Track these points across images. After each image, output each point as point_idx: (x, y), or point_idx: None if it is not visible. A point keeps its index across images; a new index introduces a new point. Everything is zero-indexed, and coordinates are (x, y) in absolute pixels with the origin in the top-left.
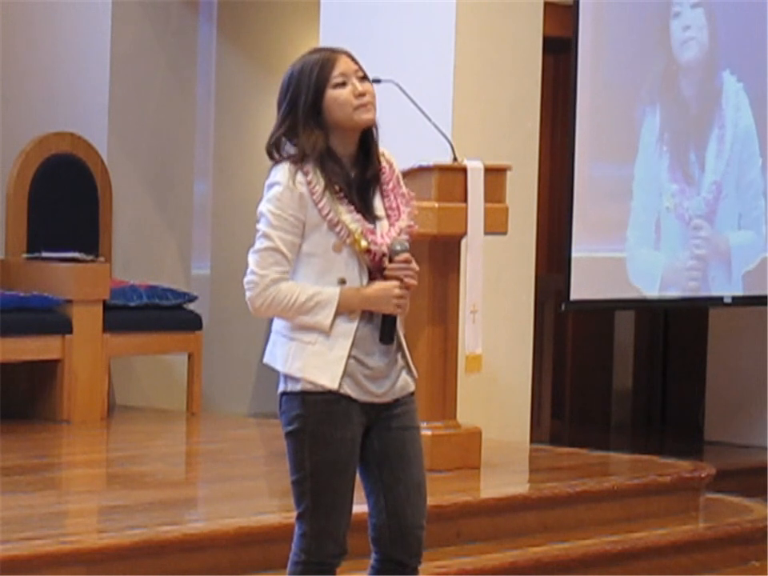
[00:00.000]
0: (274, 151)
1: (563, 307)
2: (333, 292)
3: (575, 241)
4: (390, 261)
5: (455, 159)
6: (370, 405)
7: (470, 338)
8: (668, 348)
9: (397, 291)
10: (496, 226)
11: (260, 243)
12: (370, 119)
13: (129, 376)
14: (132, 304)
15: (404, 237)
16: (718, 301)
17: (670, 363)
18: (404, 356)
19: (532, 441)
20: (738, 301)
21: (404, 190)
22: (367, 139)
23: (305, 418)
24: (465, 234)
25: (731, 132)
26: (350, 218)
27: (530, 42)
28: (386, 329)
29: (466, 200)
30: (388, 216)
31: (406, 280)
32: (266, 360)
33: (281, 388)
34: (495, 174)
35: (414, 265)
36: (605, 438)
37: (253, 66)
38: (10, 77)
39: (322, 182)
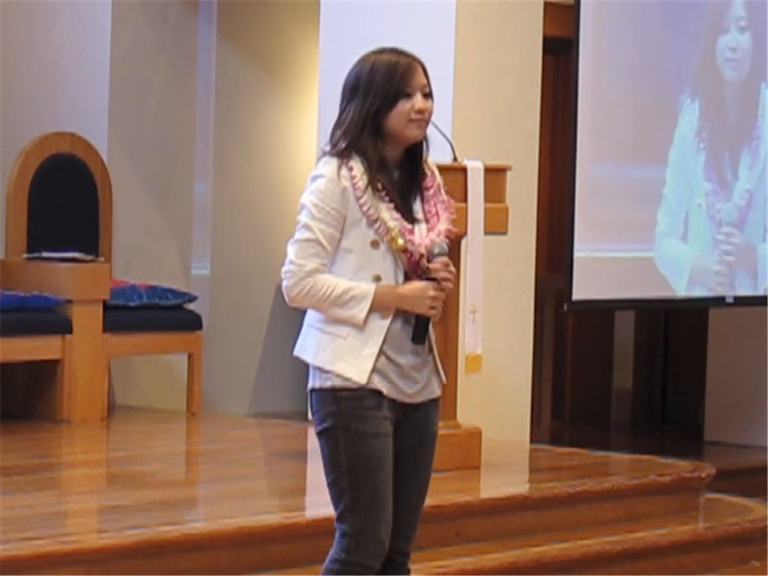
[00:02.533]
0: (330, 142)
1: (565, 307)
2: (368, 287)
3: (577, 241)
4: (428, 262)
5: (455, 159)
6: (399, 403)
7: (470, 337)
8: (668, 348)
9: (432, 292)
10: (496, 225)
11: (300, 234)
12: (418, 136)
13: (129, 376)
14: (132, 304)
15: (443, 239)
16: (718, 301)
17: (670, 363)
18: (434, 359)
19: (532, 441)
20: (739, 301)
21: (444, 197)
22: (415, 148)
23: (337, 414)
24: (465, 234)
25: (765, 145)
26: (389, 215)
27: (530, 42)
28: (419, 329)
29: (466, 200)
30: (427, 220)
31: (443, 283)
32: (296, 352)
33: (311, 384)
34: (495, 174)
35: (452, 268)
36: (605, 438)
37: (253, 66)
38: (10, 77)
39: (365, 179)
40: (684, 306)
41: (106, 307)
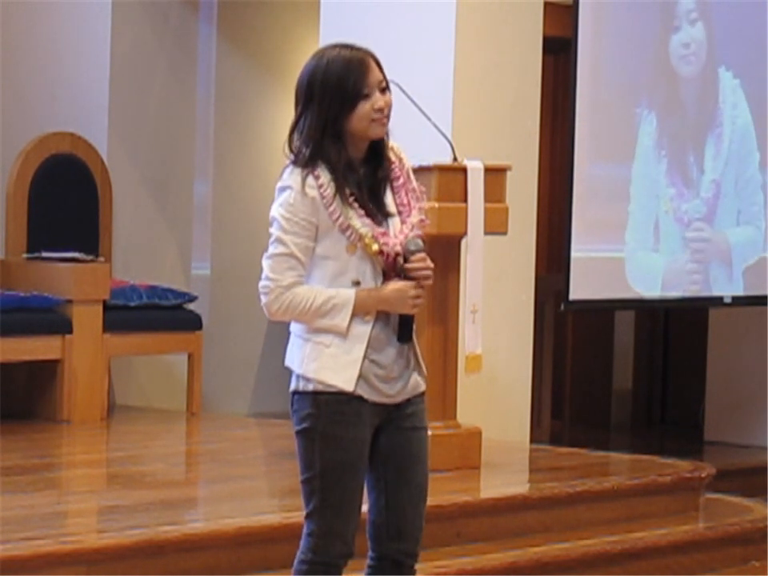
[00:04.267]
0: (287, 149)
1: (563, 307)
2: (348, 294)
3: (575, 241)
4: (405, 260)
5: (455, 159)
6: (381, 405)
7: (470, 338)
8: (668, 348)
9: (413, 291)
10: (496, 225)
11: (273, 248)
12: (381, 134)
13: (129, 376)
14: (132, 304)
15: (417, 233)
16: (718, 301)
17: (670, 363)
18: (415, 355)
19: (532, 441)
20: (738, 301)
21: (414, 185)
22: (377, 143)
23: (316, 417)
24: (465, 234)
25: (729, 130)
26: (359, 222)
27: (530, 41)
28: (404, 329)
29: (466, 200)
30: (400, 213)
31: (423, 281)
32: (286, 363)
33: (292, 386)
34: (495, 174)
35: (429, 263)
36: (605, 438)
37: (253, 66)
38: (10, 77)
39: (332, 186)
40: (684, 306)
41: (106, 307)
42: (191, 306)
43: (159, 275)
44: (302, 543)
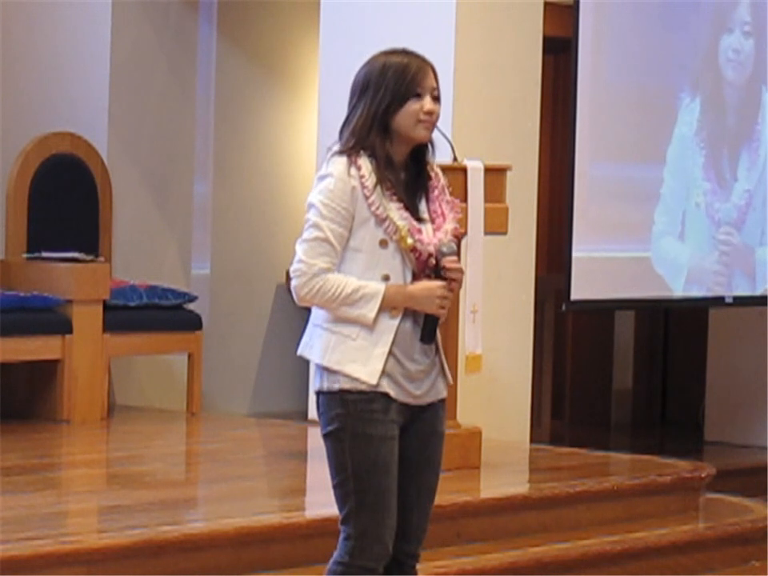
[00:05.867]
0: (339, 141)
1: (564, 307)
2: (378, 286)
3: (575, 241)
4: (437, 261)
5: (455, 159)
6: (406, 405)
7: (470, 338)
8: (668, 348)
9: (441, 292)
10: (496, 226)
11: (309, 233)
12: (425, 137)
13: (129, 376)
14: (132, 304)
15: (451, 239)
16: (718, 301)
17: (670, 363)
18: (441, 361)
19: (532, 441)
20: (739, 301)
21: (449, 197)
22: (420, 149)
23: (344, 417)
24: (465, 233)
25: (765, 147)
26: (398, 215)
27: (530, 42)
28: (428, 329)
29: (466, 200)
30: (432, 220)
31: (453, 283)
32: (300, 351)
33: (317, 386)
34: (495, 174)
35: (461, 266)
36: (605, 438)
37: (253, 66)
38: (10, 77)
39: (374, 178)
40: (684, 306)
41: (106, 307)
42: (191, 306)
43: (159, 275)
44: (339, 546)
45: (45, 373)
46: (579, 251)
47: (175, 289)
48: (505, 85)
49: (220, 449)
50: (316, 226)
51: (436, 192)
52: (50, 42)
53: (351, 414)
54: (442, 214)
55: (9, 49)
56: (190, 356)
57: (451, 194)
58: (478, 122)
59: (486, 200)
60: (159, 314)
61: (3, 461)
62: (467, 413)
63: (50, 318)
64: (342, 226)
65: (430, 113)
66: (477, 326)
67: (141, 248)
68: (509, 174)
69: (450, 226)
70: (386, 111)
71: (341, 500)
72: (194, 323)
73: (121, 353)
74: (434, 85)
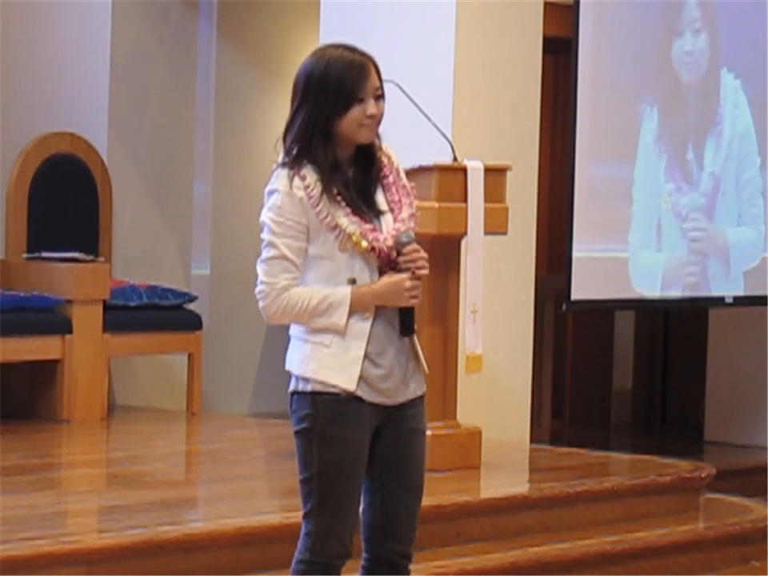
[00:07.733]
0: (279, 148)
1: (564, 307)
2: (344, 292)
3: (575, 241)
4: (398, 253)
5: (455, 159)
6: (380, 406)
7: (470, 338)
8: (668, 348)
9: (408, 283)
10: (496, 225)
11: (266, 252)
12: (368, 139)
13: (129, 376)
14: (132, 304)
15: (410, 226)
16: (718, 301)
17: (670, 363)
18: (416, 355)
19: (532, 441)
20: (739, 301)
21: (404, 181)
22: (366, 146)
23: (314, 417)
24: (465, 233)
25: (730, 128)
26: (347, 221)
27: (530, 42)
28: (405, 321)
29: (466, 200)
30: (392, 210)
31: (417, 271)
32: (286, 366)
33: (291, 387)
34: (495, 174)
35: (422, 253)
36: (605, 438)
37: (253, 66)
38: (10, 77)
39: (319, 186)
40: (684, 306)
41: (106, 307)
42: (191, 306)
43: (159, 275)
44: (299, 543)
45: (45, 373)
46: (579, 251)
47: (175, 289)
48: (505, 85)
49: (220, 449)
50: (271, 244)
51: (390, 178)
52: (49, 42)
53: (321, 415)
54: (400, 200)
55: (9, 49)
56: (190, 356)
57: (417, 179)
58: (478, 122)
59: (486, 200)
60: (159, 314)
61: (3, 461)
62: (467, 413)
63: (49, 318)
64: (298, 239)
65: (372, 116)
66: (477, 325)
67: (141, 248)
68: (509, 174)
69: (405, 213)
70: (327, 119)
71: (304, 496)
72: (193, 323)
73: (121, 353)
74: (377, 84)
